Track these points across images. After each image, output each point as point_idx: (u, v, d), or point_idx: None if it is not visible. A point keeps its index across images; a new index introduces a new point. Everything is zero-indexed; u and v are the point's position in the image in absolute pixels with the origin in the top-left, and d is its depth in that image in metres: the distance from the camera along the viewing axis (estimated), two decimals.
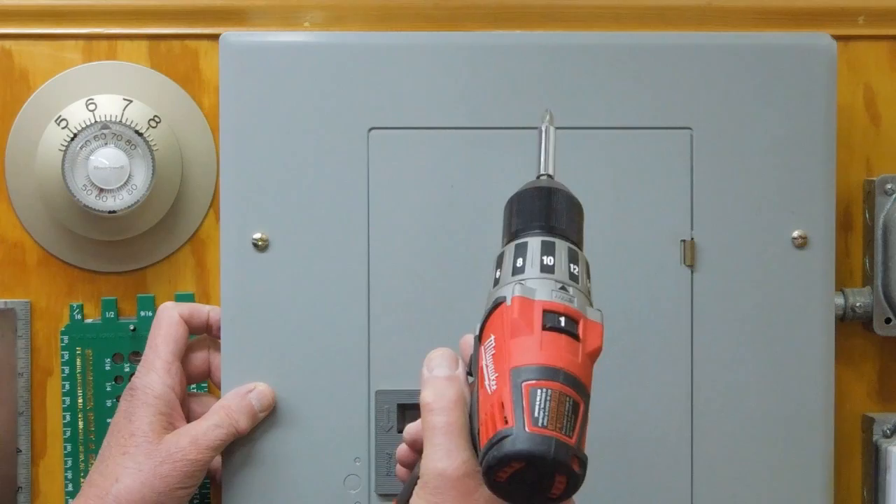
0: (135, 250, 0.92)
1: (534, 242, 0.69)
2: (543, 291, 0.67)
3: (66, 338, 0.91)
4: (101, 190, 0.88)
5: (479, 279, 0.85)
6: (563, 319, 0.66)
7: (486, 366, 0.66)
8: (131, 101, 0.91)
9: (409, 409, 0.85)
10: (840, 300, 0.91)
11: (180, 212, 0.92)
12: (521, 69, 0.85)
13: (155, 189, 0.89)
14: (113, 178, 0.88)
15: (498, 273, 0.69)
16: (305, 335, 0.85)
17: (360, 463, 0.85)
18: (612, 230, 0.85)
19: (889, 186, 0.92)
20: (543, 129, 0.73)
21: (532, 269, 0.68)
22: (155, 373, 0.83)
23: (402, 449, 0.76)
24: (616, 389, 0.86)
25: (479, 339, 0.68)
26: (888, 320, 0.92)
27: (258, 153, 0.85)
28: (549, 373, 0.64)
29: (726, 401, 0.86)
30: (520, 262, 0.68)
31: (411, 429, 0.75)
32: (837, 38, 0.87)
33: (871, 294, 0.92)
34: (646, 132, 0.86)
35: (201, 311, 0.87)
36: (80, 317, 0.92)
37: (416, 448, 0.75)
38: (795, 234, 0.86)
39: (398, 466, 0.78)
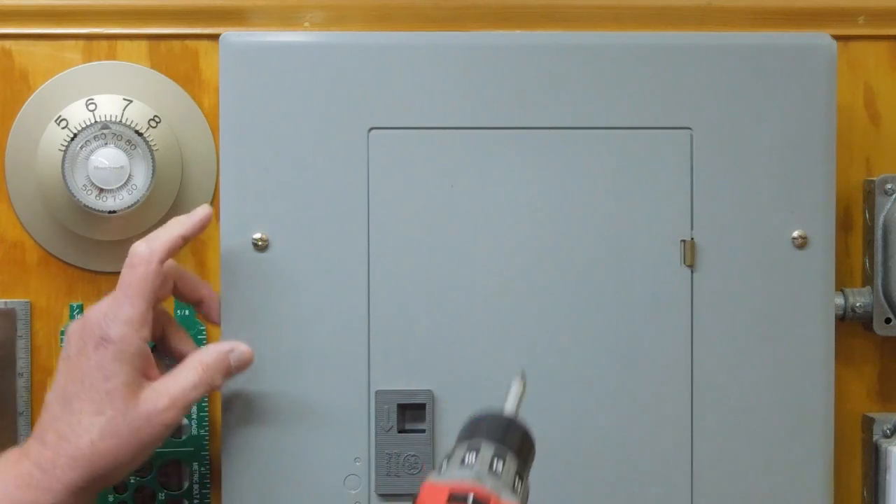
0: None
1: (462, 444, 0.70)
2: (455, 477, 0.67)
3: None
4: (101, 190, 0.88)
5: (479, 279, 0.85)
6: (468, 497, 0.66)
7: None
8: (131, 101, 0.91)
9: (409, 409, 0.85)
10: (840, 300, 0.91)
11: (180, 212, 0.92)
12: (521, 69, 0.85)
13: (155, 189, 0.89)
14: (113, 178, 0.88)
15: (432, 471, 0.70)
16: (305, 335, 0.85)
17: (360, 463, 0.85)
18: (612, 230, 0.85)
19: (889, 186, 0.92)
20: (518, 383, 0.74)
21: (452, 464, 0.69)
22: (130, 326, 0.79)
23: None
24: (616, 389, 0.85)
25: None
26: (888, 320, 0.92)
27: (258, 153, 0.85)
28: None
29: (726, 401, 0.86)
30: (445, 460, 0.69)
31: None
32: (837, 38, 0.87)
33: (871, 294, 0.92)
34: (646, 132, 0.86)
35: (192, 280, 0.85)
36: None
37: None
38: (795, 234, 0.86)
39: None
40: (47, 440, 0.79)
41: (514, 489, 0.68)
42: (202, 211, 0.83)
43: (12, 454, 0.79)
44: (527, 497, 0.70)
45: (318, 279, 0.85)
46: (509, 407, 0.73)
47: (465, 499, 0.65)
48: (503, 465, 0.68)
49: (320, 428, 0.85)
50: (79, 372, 0.80)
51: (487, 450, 0.69)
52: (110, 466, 0.79)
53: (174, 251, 0.82)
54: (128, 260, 0.81)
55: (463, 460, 0.68)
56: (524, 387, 0.74)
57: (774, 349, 0.86)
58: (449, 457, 0.70)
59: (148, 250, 0.80)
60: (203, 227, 0.83)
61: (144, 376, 0.80)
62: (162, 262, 0.81)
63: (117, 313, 0.80)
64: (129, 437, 0.79)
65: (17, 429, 0.91)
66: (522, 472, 0.70)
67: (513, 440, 0.70)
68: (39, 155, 0.91)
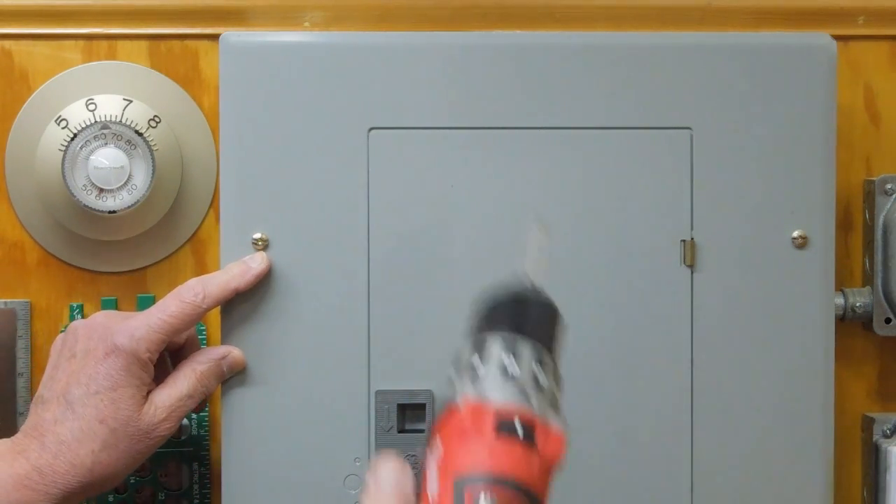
0: (135, 250, 0.92)
1: (495, 342, 0.64)
2: (498, 395, 0.62)
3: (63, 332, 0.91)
4: (101, 190, 0.88)
5: (479, 279, 0.85)
6: (517, 425, 0.61)
7: (430, 471, 0.62)
8: (131, 101, 0.91)
9: (409, 409, 0.85)
10: (840, 300, 0.91)
11: (180, 212, 0.92)
12: (521, 69, 0.85)
13: (155, 189, 0.89)
14: (113, 178, 0.88)
15: (453, 371, 0.64)
16: (305, 335, 0.85)
17: (360, 463, 0.85)
18: (612, 230, 0.85)
19: (889, 186, 0.92)
20: (535, 234, 0.69)
21: (490, 370, 0.63)
22: (146, 344, 0.80)
23: None
24: (616, 389, 0.85)
25: (428, 441, 0.64)
26: (888, 320, 0.92)
27: (258, 153, 0.85)
28: (495, 480, 0.59)
29: (726, 401, 0.86)
30: (476, 361, 0.63)
31: None
32: (837, 38, 0.87)
33: (871, 294, 0.92)
34: (646, 132, 0.86)
35: (194, 348, 0.85)
36: (80, 317, 0.92)
37: None
38: (795, 234, 0.86)
39: None
40: (47, 442, 0.79)
41: (555, 402, 0.63)
42: (259, 266, 0.84)
43: (6, 450, 0.79)
44: (562, 386, 0.64)
45: (318, 279, 0.85)
46: (530, 273, 0.67)
47: (514, 427, 0.61)
48: (544, 372, 0.63)
49: (320, 428, 0.85)
50: (84, 376, 0.80)
51: (526, 353, 0.63)
52: (107, 476, 0.80)
53: (224, 301, 0.83)
54: (178, 290, 0.82)
55: (502, 368, 0.62)
56: (545, 238, 0.68)
57: (774, 349, 0.86)
58: (480, 355, 0.63)
59: (201, 294, 0.82)
60: (258, 281, 0.84)
61: (147, 388, 0.81)
62: (209, 309, 0.82)
63: (140, 328, 0.80)
64: (128, 449, 0.80)
65: (17, 429, 0.91)
66: (557, 367, 0.64)
67: (546, 327, 0.65)
68: (39, 155, 0.91)
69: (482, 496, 0.59)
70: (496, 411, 0.61)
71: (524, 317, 0.65)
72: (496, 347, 0.64)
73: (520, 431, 0.61)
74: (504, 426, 0.61)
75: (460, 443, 0.61)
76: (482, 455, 0.60)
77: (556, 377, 0.64)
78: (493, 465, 0.60)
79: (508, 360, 0.63)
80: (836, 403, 0.87)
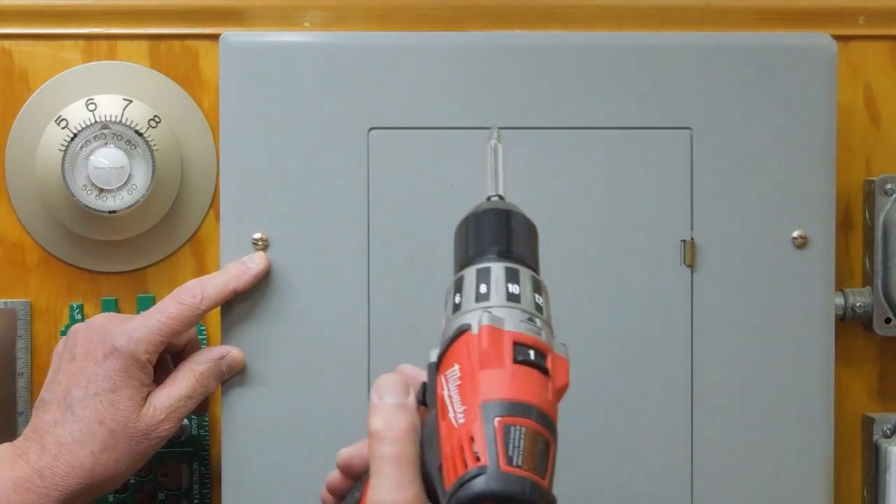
0: (135, 250, 0.92)
1: (497, 268, 0.65)
2: (512, 322, 0.63)
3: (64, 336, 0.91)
4: (101, 190, 0.88)
5: None
6: (532, 353, 0.63)
7: (450, 397, 0.63)
8: (131, 101, 0.91)
9: None
10: (840, 300, 0.91)
11: (180, 212, 0.92)
12: (521, 69, 0.85)
13: (155, 189, 0.89)
14: (113, 178, 0.88)
15: (458, 298, 0.66)
16: (305, 335, 0.85)
17: None
18: (612, 230, 0.85)
19: (889, 186, 0.92)
20: (492, 146, 0.71)
21: (498, 297, 0.64)
22: (145, 346, 0.80)
23: (334, 475, 0.73)
24: (616, 389, 0.85)
25: (438, 367, 0.65)
26: (888, 320, 0.92)
27: (258, 153, 0.85)
28: (523, 409, 0.61)
29: (726, 401, 0.86)
30: (483, 288, 0.65)
31: (345, 454, 0.72)
32: (837, 38, 0.87)
33: (871, 294, 0.92)
34: (646, 132, 0.86)
35: (195, 350, 0.85)
36: (80, 317, 0.92)
37: (350, 474, 0.72)
38: (795, 234, 0.86)
39: (324, 492, 0.74)
40: (47, 445, 0.79)
41: (551, 328, 0.66)
42: (257, 266, 0.84)
43: (7, 453, 0.79)
44: (548, 299, 0.67)
45: (318, 279, 0.85)
46: (500, 186, 0.69)
47: (529, 355, 0.63)
48: (543, 295, 0.66)
49: (320, 428, 0.85)
50: (84, 378, 0.80)
51: (525, 279, 0.65)
52: (107, 477, 0.80)
53: (223, 302, 0.83)
54: (176, 292, 0.82)
55: (508, 295, 0.64)
56: (502, 151, 0.70)
57: (774, 349, 0.86)
58: (485, 281, 0.65)
59: (199, 296, 0.82)
60: (257, 281, 0.84)
61: (147, 389, 0.81)
62: (208, 310, 0.82)
63: (138, 330, 0.81)
64: (128, 450, 0.80)
65: (17, 429, 0.91)
66: (545, 288, 0.67)
67: (532, 249, 0.68)
68: (39, 155, 0.91)
69: (510, 425, 0.60)
70: (513, 339, 0.63)
71: (510, 237, 0.67)
72: (499, 274, 0.65)
73: (533, 356, 0.63)
74: (521, 353, 0.63)
75: (481, 368, 0.62)
76: (505, 383, 0.62)
77: (547, 299, 0.67)
78: (516, 393, 0.61)
79: (513, 287, 0.65)
80: (836, 403, 0.87)
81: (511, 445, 0.60)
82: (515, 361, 0.62)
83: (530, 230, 0.68)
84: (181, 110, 0.92)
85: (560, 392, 0.64)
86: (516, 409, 0.61)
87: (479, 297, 0.65)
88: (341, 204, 0.85)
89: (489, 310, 0.64)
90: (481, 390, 0.62)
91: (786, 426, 0.86)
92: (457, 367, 0.63)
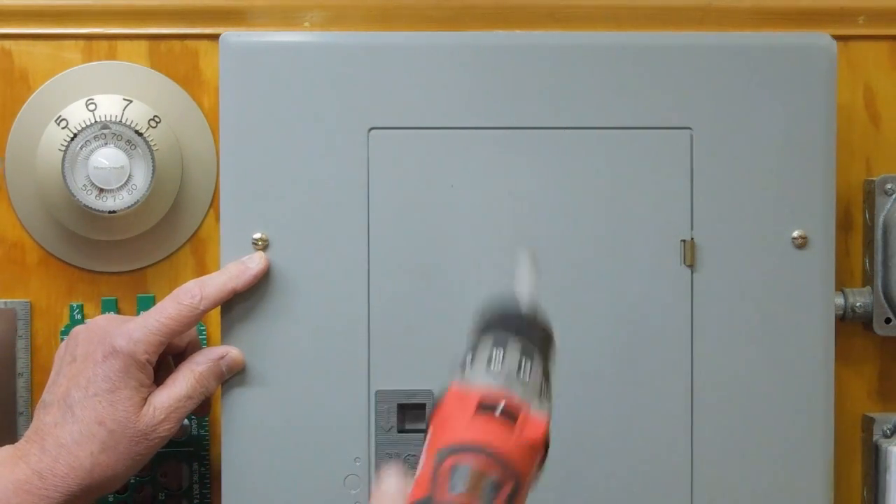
0: (135, 250, 0.92)
1: (487, 339, 0.68)
2: (481, 382, 0.66)
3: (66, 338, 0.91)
4: (101, 190, 0.88)
5: (479, 279, 0.85)
6: (498, 406, 0.64)
7: (421, 457, 0.65)
8: (131, 101, 0.91)
9: (409, 409, 0.85)
10: (840, 300, 0.91)
11: (180, 212, 0.92)
12: (521, 69, 0.85)
13: (155, 189, 0.89)
14: (113, 178, 0.88)
15: (451, 374, 0.69)
16: (305, 335, 0.85)
17: (360, 463, 0.85)
18: (612, 230, 0.85)
19: (889, 186, 0.92)
20: (527, 257, 0.72)
21: (478, 363, 0.67)
22: (145, 346, 0.80)
23: None
24: (616, 389, 0.85)
25: (424, 435, 0.67)
26: (888, 320, 0.92)
27: (258, 153, 0.85)
28: (471, 448, 0.63)
29: (726, 401, 0.86)
30: (469, 357, 0.68)
31: None
32: (837, 38, 0.87)
33: (871, 294, 0.92)
34: (646, 132, 0.86)
35: (195, 350, 0.85)
36: (80, 317, 0.92)
37: None
38: (795, 234, 0.86)
39: None
40: (47, 446, 0.79)
41: (541, 395, 0.67)
42: (257, 266, 0.84)
43: (8, 455, 0.79)
44: (552, 398, 0.68)
45: (318, 279, 0.85)
46: (524, 293, 0.70)
47: (494, 408, 0.64)
48: (531, 366, 0.67)
49: (320, 428, 0.85)
50: (84, 379, 0.80)
51: (514, 349, 0.67)
52: (107, 478, 0.80)
53: (222, 302, 0.83)
54: (176, 293, 0.82)
55: (490, 360, 0.66)
56: (535, 266, 0.71)
57: (774, 349, 0.86)
58: (473, 353, 0.68)
59: (198, 297, 0.82)
60: (257, 281, 0.84)
61: (147, 389, 0.81)
62: (207, 311, 0.82)
63: (138, 330, 0.81)
64: (128, 451, 0.80)
65: (17, 429, 0.91)
66: (548, 370, 0.68)
67: (537, 336, 0.68)
68: (39, 155, 0.91)
69: (457, 463, 0.62)
70: (480, 395, 0.65)
71: (519, 324, 0.68)
72: (487, 343, 0.67)
73: (499, 410, 0.64)
74: (485, 406, 0.64)
75: (443, 424, 0.64)
76: (460, 429, 0.64)
77: (546, 375, 0.68)
78: (470, 437, 0.63)
79: (496, 353, 0.66)
80: (836, 403, 0.87)
81: (454, 477, 0.62)
82: (477, 411, 0.64)
83: (545, 330, 0.70)
84: (181, 110, 0.92)
85: (531, 445, 0.65)
86: (465, 448, 0.63)
87: (463, 367, 0.67)
88: (341, 204, 0.85)
89: (466, 374, 0.67)
90: (440, 440, 0.64)
91: (786, 426, 0.86)
92: (430, 428, 0.66)
